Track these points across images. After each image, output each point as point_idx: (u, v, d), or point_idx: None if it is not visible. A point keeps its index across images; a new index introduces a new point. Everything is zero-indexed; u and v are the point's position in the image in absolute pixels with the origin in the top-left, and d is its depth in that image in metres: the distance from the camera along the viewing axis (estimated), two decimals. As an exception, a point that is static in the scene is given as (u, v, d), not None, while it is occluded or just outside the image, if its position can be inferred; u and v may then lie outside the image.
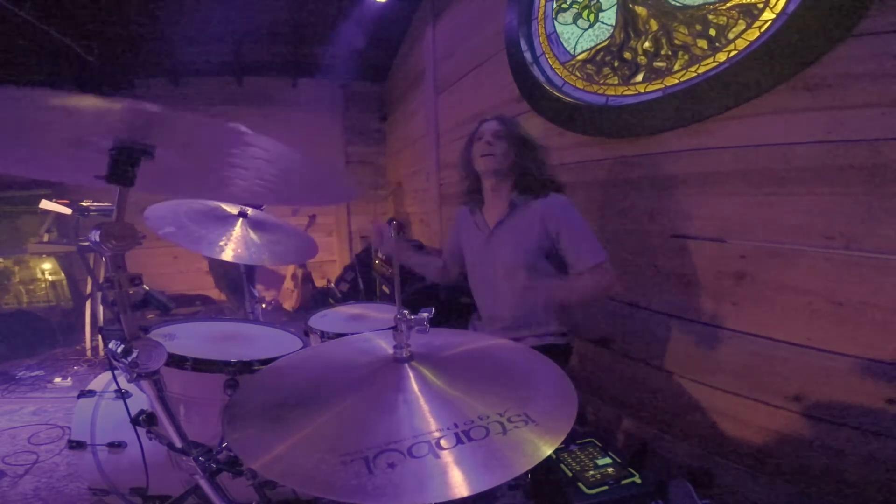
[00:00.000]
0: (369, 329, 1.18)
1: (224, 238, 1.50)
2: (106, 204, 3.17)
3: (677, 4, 1.51)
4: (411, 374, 0.70)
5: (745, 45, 1.31)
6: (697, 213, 1.45)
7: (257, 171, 0.85)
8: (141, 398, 1.12)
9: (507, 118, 1.53)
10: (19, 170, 0.89)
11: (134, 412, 1.05)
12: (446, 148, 3.33)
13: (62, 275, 3.73)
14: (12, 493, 1.69)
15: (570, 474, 1.00)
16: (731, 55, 1.34)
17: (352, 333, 1.12)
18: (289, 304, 4.44)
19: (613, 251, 1.32)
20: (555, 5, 2.06)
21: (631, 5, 1.69)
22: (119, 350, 0.74)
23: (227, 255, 1.46)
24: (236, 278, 2.91)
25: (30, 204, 3.32)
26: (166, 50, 3.99)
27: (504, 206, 1.49)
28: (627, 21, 1.71)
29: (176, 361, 1.05)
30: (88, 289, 3.28)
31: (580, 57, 1.93)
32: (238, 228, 1.56)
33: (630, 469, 1.01)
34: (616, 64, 1.76)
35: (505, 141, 1.46)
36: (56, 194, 3.25)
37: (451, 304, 2.22)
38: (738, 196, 1.34)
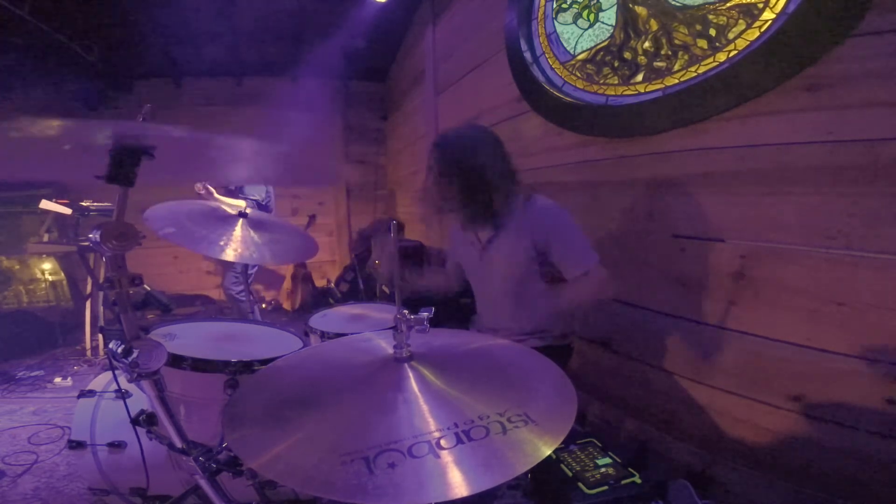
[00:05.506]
0: (369, 329, 1.18)
1: (225, 238, 1.50)
2: (106, 204, 3.17)
3: (677, 4, 1.51)
4: (411, 374, 0.70)
5: (745, 45, 1.31)
6: (697, 213, 1.45)
7: (252, 159, 0.86)
8: (141, 398, 1.12)
9: (443, 144, 1.40)
10: (20, 173, 0.90)
11: (134, 412, 1.05)
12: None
13: (62, 275, 3.73)
14: (12, 493, 1.69)
15: (570, 474, 1.00)
16: (731, 55, 1.34)
17: (352, 333, 1.12)
18: (289, 304, 4.44)
19: (613, 251, 1.31)
20: (555, 5, 2.06)
21: (631, 5, 1.69)
22: (119, 350, 0.74)
23: (229, 254, 1.46)
24: None
25: (30, 204, 3.32)
26: (166, 50, 3.99)
27: (484, 223, 1.43)
28: (627, 21, 1.71)
29: (176, 361, 1.05)
30: (88, 289, 3.27)
31: (580, 57, 1.93)
32: (238, 229, 1.57)
33: (630, 469, 1.01)
34: (616, 64, 1.76)
35: (446, 179, 1.36)
36: (56, 194, 3.25)
37: (451, 304, 2.22)
38: (738, 196, 1.34)
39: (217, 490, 0.87)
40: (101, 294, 3.06)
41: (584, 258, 1.32)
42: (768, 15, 1.26)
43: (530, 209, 1.38)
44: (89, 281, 3.23)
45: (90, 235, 0.72)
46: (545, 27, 2.13)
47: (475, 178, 1.33)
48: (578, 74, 1.93)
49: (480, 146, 1.37)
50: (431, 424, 0.59)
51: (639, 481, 0.97)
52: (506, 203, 1.37)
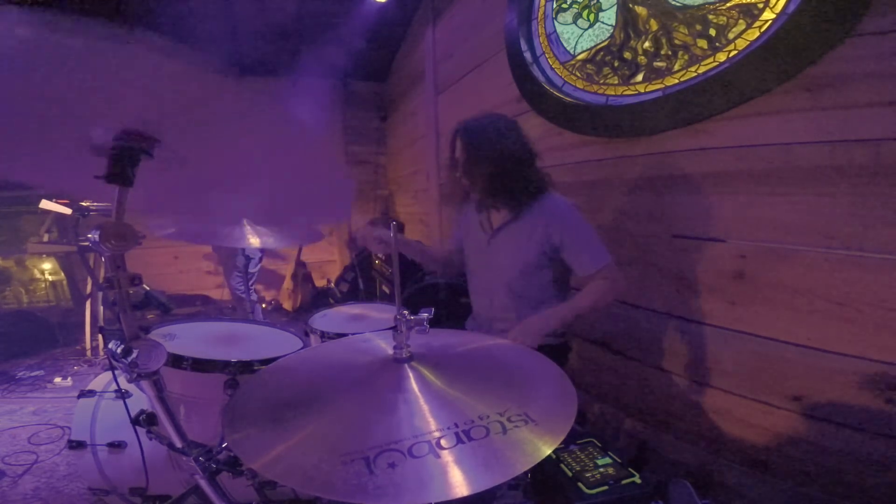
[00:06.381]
0: (369, 329, 1.18)
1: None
2: (106, 204, 3.17)
3: (677, 4, 1.51)
4: (411, 375, 0.70)
5: (745, 45, 1.31)
6: (697, 213, 1.45)
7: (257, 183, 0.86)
8: (141, 398, 1.12)
9: (470, 130, 1.42)
10: (20, 175, 0.90)
11: (134, 412, 1.05)
12: (446, 148, 3.33)
13: (62, 275, 3.73)
14: (12, 493, 1.69)
15: (570, 474, 1.00)
16: (731, 55, 1.34)
17: (352, 333, 1.12)
18: (289, 304, 4.44)
19: (613, 251, 1.31)
20: (555, 5, 2.06)
21: (631, 5, 1.69)
22: (119, 350, 0.74)
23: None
24: None
25: (30, 204, 3.32)
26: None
27: (506, 209, 1.43)
28: (627, 21, 1.71)
29: (176, 361, 1.05)
30: (88, 289, 3.28)
31: (580, 57, 1.93)
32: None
33: (630, 469, 1.01)
34: (616, 64, 1.76)
35: (474, 165, 1.39)
36: (56, 194, 3.25)
37: (450, 304, 2.22)
38: (738, 196, 1.34)
39: (217, 490, 0.87)
40: (100, 294, 3.06)
41: (600, 256, 1.32)
42: (768, 15, 1.26)
43: (546, 201, 1.40)
44: (89, 281, 3.23)
45: (90, 235, 0.72)
46: (545, 27, 2.13)
47: (504, 161, 1.35)
48: (578, 74, 1.93)
49: (506, 130, 1.40)
50: (431, 424, 0.59)
51: (639, 481, 0.97)
52: (528, 187, 1.38)
